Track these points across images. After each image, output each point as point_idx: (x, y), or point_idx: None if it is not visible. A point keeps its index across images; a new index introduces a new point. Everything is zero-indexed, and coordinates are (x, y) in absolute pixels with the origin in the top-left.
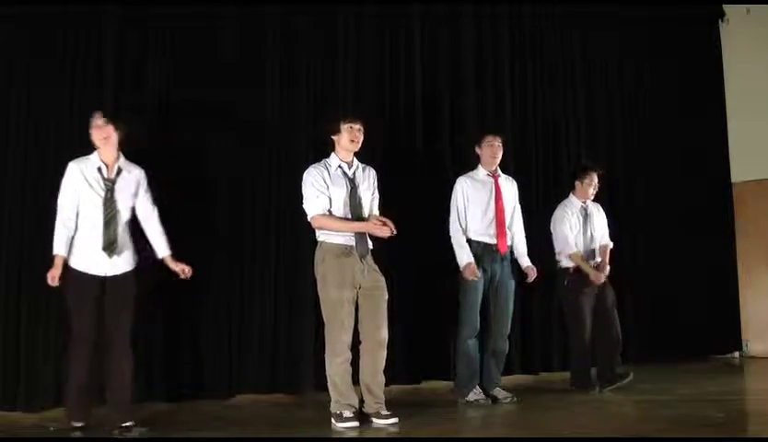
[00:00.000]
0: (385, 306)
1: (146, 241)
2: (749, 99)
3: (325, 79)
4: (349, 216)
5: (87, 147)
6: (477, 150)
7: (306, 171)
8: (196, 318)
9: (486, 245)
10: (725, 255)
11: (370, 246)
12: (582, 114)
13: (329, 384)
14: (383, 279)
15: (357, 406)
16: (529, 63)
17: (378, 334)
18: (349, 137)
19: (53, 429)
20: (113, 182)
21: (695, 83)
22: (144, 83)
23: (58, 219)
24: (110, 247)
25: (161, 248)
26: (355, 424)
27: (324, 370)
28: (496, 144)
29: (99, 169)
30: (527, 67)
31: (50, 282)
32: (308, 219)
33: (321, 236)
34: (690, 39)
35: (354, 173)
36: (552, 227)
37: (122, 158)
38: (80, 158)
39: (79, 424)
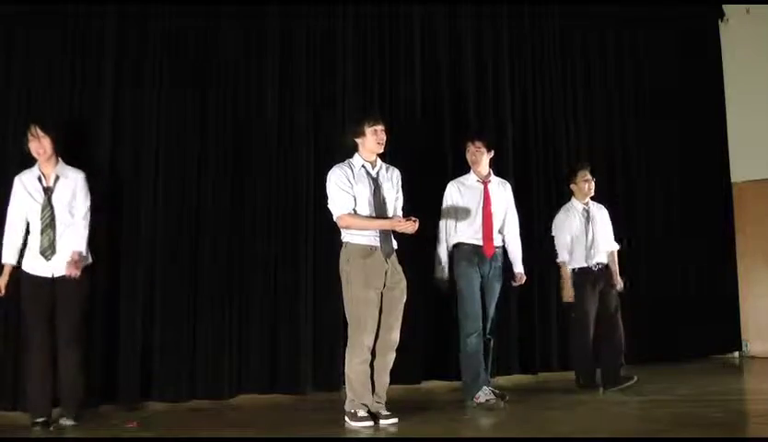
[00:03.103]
0: (401, 308)
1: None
2: (749, 99)
3: (325, 79)
4: (373, 216)
5: (86, 147)
6: (467, 156)
7: (330, 171)
8: (196, 318)
9: (476, 246)
10: (725, 255)
11: (395, 245)
12: (582, 114)
13: (346, 382)
14: (405, 281)
15: (370, 406)
16: (529, 63)
17: (390, 336)
18: (375, 140)
19: (53, 429)
20: (51, 191)
21: (695, 83)
22: (143, 83)
23: (6, 229)
24: (46, 251)
25: (73, 242)
26: (370, 423)
27: (323, 370)
28: (473, 149)
29: (39, 179)
30: (527, 67)
31: None
32: (334, 219)
33: (346, 237)
34: (690, 39)
35: (377, 173)
36: (552, 231)
37: (60, 164)
38: (24, 171)
39: (41, 420)
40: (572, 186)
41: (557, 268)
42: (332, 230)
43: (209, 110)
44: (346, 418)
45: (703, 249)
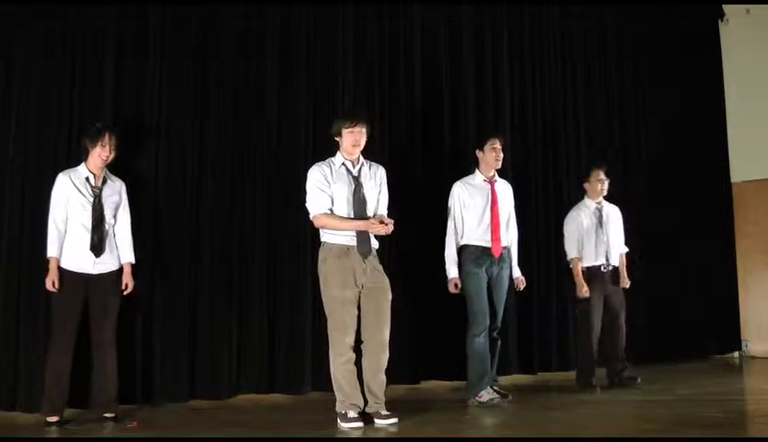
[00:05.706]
0: (388, 306)
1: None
2: (749, 99)
3: (325, 79)
4: (352, 214)
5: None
6: (478, 153)
7: (309, 170)
8: (195, 318)
9: (483, 248)
10: (725, 255)
11: (375, 245)
12: (582, 114)
13: (333, 384)
14: (387, 279)
15: (362, 406)
16: (529, 63)
17: (380, 335)
18: (351, 141)
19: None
20: (100, 190)
21: (695, 83)
22: (143, 83)
23: (51, 225)
24: (97, 247)
25: (126, 254)
26: (360, 424)
27: (323, 370)
28: (498, 146)
29: (87, 179)
30: (527, 67)
31: (50, 287)
32: (310, 218)
33: (324, 236)
34: (690, 39)
35: (359, 171)
36: (564, 228)
37: (105, 170)
38: (68, 170)
39: (54, 419)
40: (585, 185)
41: (563, 267)
42: None
43: (209, 110)
44: (338, 419)
45: (703, 249)
